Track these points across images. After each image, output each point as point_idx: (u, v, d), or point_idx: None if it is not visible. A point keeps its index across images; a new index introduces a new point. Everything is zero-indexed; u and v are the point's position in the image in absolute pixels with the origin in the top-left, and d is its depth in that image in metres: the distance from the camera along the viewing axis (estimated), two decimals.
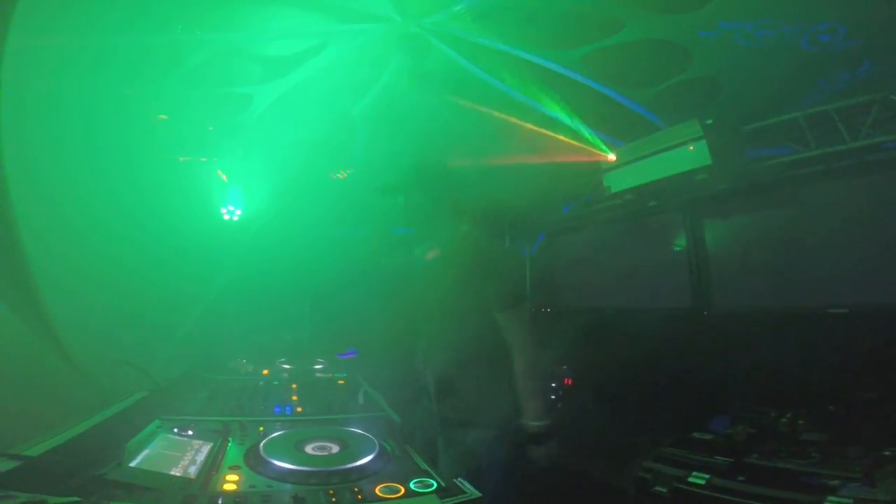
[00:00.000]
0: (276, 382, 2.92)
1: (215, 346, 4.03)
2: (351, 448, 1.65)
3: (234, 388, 2.66)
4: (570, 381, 5.16)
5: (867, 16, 2.63)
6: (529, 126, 3.97)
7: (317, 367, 3.58)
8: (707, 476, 2.66)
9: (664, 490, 2.78)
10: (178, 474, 1.44)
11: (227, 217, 4.93)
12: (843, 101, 3.38)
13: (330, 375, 3.23)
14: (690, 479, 2.69)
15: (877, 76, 3.15)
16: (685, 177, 3.98)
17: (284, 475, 1.45)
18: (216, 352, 3.84)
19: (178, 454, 1.58)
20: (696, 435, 3.24)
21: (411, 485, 1.36)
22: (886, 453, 2.47)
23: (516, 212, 5.76)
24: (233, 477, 1.44)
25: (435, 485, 1.36)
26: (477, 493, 1.30)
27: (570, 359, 5.18)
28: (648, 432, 3.55)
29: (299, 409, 2.31)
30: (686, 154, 3.89)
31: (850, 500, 2.14)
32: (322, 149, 4.47)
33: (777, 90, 3.46)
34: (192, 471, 1.48)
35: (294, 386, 2.82)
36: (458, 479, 1.37)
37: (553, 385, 5.22)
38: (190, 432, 1.79)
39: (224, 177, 4.77)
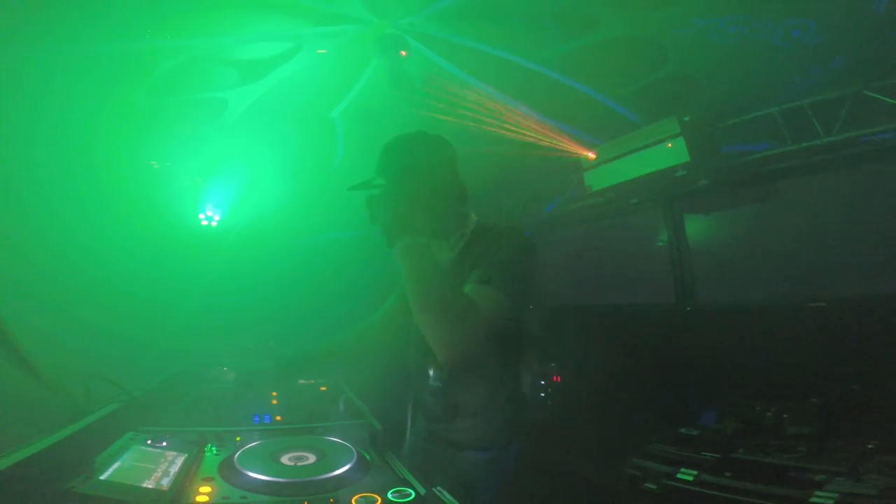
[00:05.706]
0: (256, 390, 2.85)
1: (195, 354, 3.95)
2: (328, 457, 1.61)
3: (213, 397, 2.60)
4: (558, 379, 5.16)
5: (835, 11, 2.67)
6: (509, 125, 3.96)
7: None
8: (695, 472, 2.67)
9: (654, 487, 2.79)
10: (150, 486, 1.39)
11: (205, 223, 4.85)
12: (816, 96, 3.42)
13: (312, 382, 3.18)
14: (679, 476, 2.71)
15: (849, 71, 3.19)
16: (665, 173, 4.01)
17: (259, 486, 1.41)
18: (196, 360, 3.75)
19: (150, 466, 1.53)
20: (683, 431, 3.26)
21: (389, 495, 1.32)
22: (870, 446, 2.49)
23: (498, 211, 5.76)
24: (206, 489, 1.40)
25: (413, 494, 1.32)
26: (455, 503, 1.27)
27: (557, 356, 5.19)
28: (636, 428, 3.56)
29: (278, 418, 2.26)
30: (665, 151, 3.92)
31: (836, 495, 2.16)
32: (302, 151, 4.42)
33: (752, 86, 3.49)
34: (165, 483, 1.43)
35: (274, 393, 2.76)
36: (437, 487, 1.33)
37: (542, 383, 5.23)
38: (164, 444, 1.73)
39: (200, 181, 4.69)
